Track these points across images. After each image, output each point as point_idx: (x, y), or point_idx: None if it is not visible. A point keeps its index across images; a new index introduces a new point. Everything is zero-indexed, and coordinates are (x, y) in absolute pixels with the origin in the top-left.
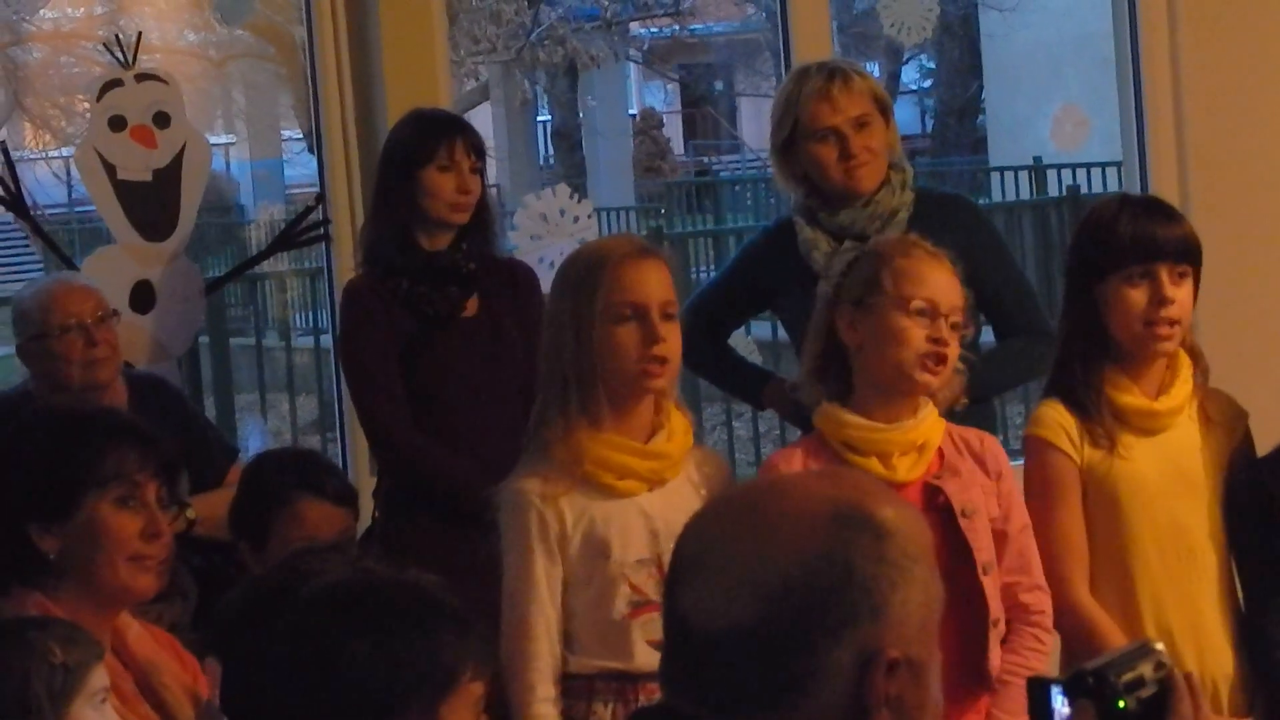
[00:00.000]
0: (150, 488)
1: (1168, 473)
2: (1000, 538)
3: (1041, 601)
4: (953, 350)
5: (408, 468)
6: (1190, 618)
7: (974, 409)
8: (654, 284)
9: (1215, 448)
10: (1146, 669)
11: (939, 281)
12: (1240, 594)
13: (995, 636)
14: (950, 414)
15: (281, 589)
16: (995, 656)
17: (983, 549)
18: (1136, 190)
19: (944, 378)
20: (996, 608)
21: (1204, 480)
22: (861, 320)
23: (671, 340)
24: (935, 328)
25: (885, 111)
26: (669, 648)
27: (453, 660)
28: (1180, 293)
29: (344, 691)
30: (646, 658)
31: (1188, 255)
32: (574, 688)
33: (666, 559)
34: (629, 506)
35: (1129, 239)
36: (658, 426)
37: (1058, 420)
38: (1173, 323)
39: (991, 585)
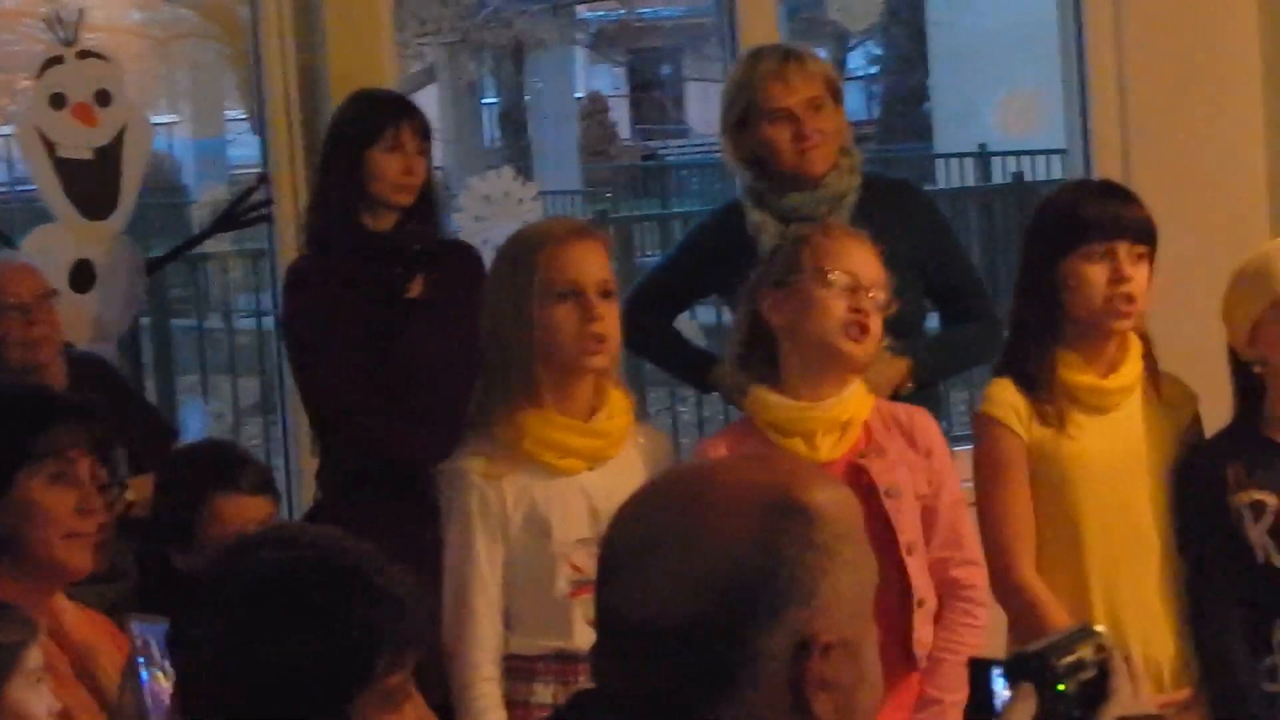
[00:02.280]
0: (84, 464)
1: (1117, 452)
2: (930, 514)
3: (973, 576)
4: (875, 323)
5: (357, 445)
6: (1137, 597)
7: (918, 394)
8: (591, 263)
9: (1164, 429)
10: (1087, 651)
11: (859, 257)
12: (1184, 575)
13: (921, 616)
14: (895, 399)
15: (212, 579)
16: (925, 635)
17: (907, 529)
18: (1080, 177)
19: (869, 350)
20: (921, 586)
21: (1152, 461)
22: (785, 300)
23: (610, 319)
24: (856, 299)
25: (837, 95)
26: (602, 639)
27: (362, 658)
28: (1138, 272)
29: (247, 691)
30: (587, 637)
31: (1146, 236)
32: (515, 669)
33: None
34: (570, 485)
35: (1092, 217)
36: (598, 405)
37: (1007, 399)
38: (1130, 300)
39: (916, 565)
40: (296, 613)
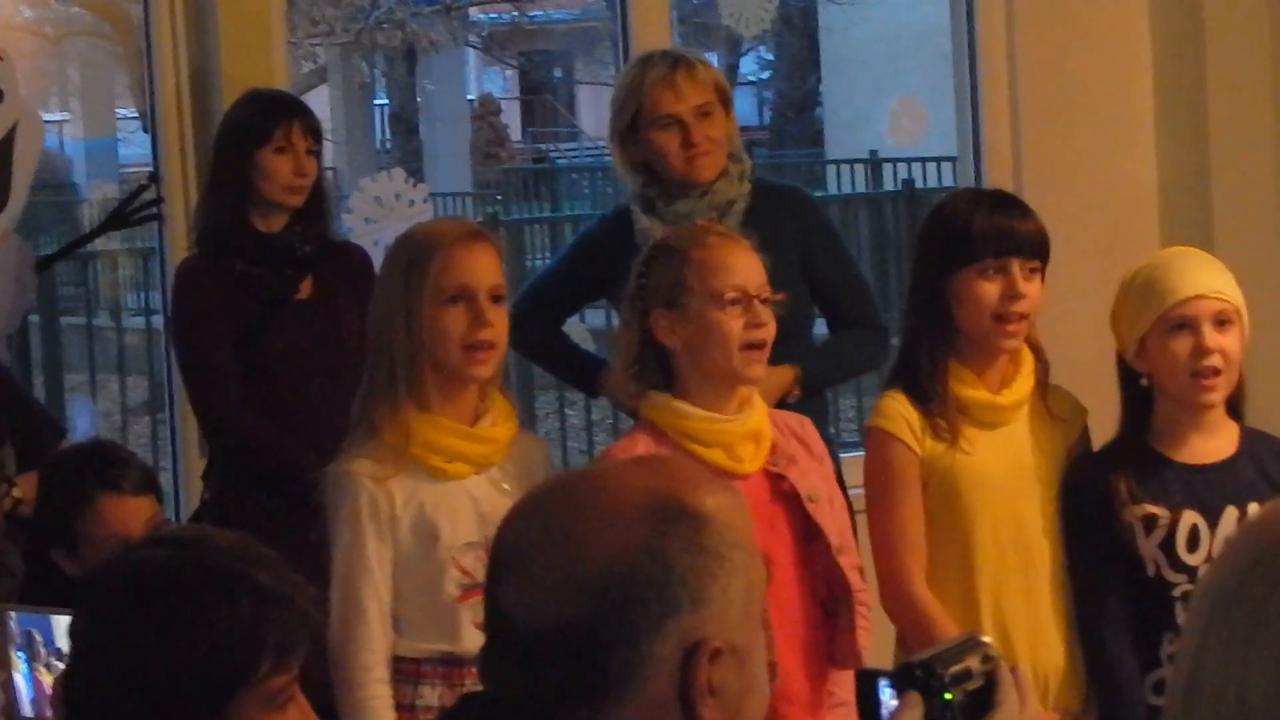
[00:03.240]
0: None
1: (1009, 467)
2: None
3: (861, 579)
4: (770, 328)
5: (240, 448)
6: (1027, 611)
7: (806, 401)
8: (483, 267)
9: (1055, 443)
10: (974, 661)
11: (742, 265)
12: (1072, 588)
13: (859, 614)
14: (783, 406)
15: (96, 576)
16: (862, 634)
17: (833, 532)
18: (971, 185)
19: (765, 362)
20: (857, 583)
21: (1043, 475)
22: (678, 322)
23: (498, 325)
24: (751, 312)
25: (726, 102)
26: (491, 643)
27: (245, 658)
28: (1031, 288)
29: (127, 688)
30: (475, 640)
31: (1040, 251)
32: (401, 671)
33: None
34: (457, 490)
35: (985, 232)
36: (482, 411)
37: (900, 412)
38: (1022, 317)
39: (848, 564)
40: (178, 610)
